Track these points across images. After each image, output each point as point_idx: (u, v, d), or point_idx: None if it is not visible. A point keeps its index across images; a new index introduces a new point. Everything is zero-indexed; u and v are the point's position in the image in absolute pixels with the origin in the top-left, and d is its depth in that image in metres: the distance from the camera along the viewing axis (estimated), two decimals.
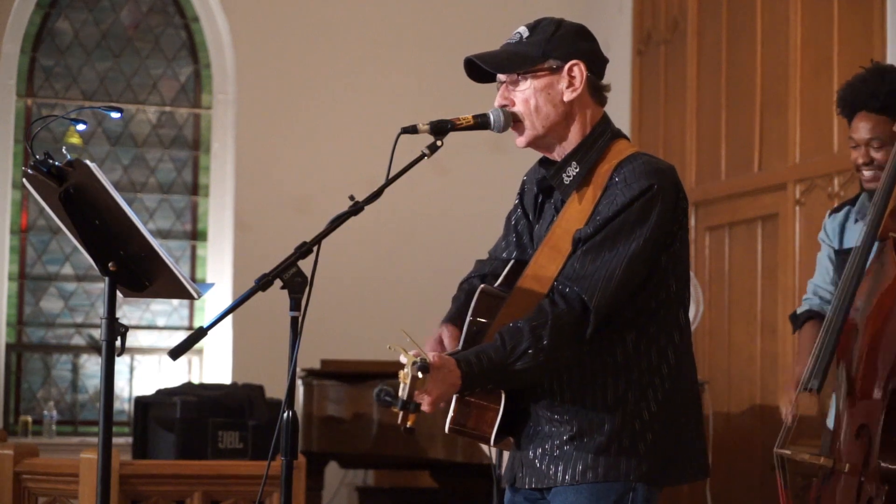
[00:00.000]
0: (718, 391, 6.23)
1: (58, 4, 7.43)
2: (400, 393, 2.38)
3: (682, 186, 2.65)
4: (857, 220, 3.81)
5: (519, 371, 2.50)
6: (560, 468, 2.59)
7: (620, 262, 2.52)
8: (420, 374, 2.36)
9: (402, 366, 2.40)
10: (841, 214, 3.90)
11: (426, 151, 2.59)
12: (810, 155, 5.81)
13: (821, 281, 3.95)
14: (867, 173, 3.73)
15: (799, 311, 3.97)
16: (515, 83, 2.64)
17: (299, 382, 6.12)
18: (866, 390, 3.32)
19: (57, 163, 2.80)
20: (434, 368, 2.42)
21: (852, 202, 3.88)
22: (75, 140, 7.46)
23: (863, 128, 3.71)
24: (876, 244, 3.46)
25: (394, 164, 2.58)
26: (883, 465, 3.17)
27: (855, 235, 3.75)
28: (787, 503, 3.59)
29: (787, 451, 3.52)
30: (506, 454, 2.77)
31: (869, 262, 3.45)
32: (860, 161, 3.73)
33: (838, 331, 3.43)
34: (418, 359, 2.37)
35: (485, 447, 2.76)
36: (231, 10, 7.42)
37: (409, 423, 2.38)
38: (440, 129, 2.61)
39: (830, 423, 3.79)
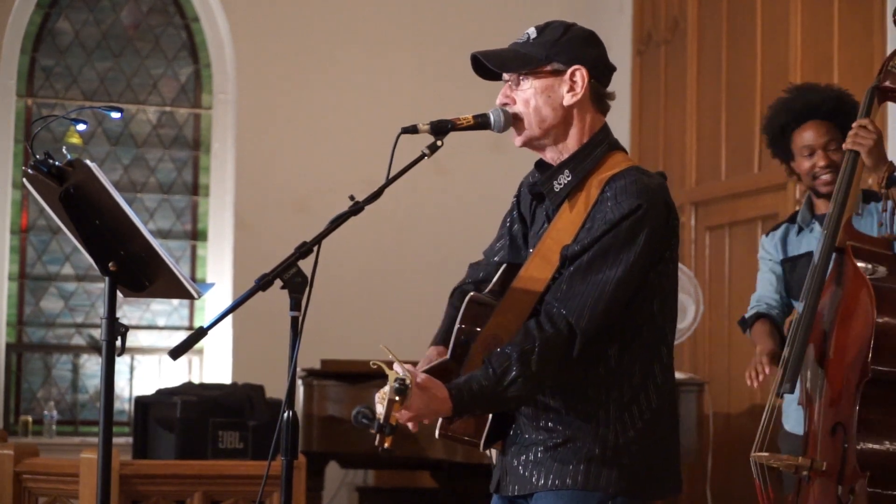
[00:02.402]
0: (718, 391, 6.23)
1: (58, 4, 7.43)
2: (377, 415, 2.36)
3: (672, 204, 2.63)
4: (801, 230, 4.01)
5: (510, 398, 2.50)
6: (542, 474, 2.59)
7: (608, 285, 2.51)
8: (397, 398, 2.34)
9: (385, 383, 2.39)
10: (780, 231, 4.11)
11: (426, 151, 2.59)
12: None
13: (764, 291, 4.14)
14: (826, 177, 3.91)
15: (747, 315, 4.11)
16: (518, 83, 2.64)
17: (299, 382, 6.12)
18: (838, 390, 3.40)
19: (57, 163, 2.80)
20: (419, 388, 2.42)
21: (790, 220, 4.10)
22: (75, 140, 7.46)
23: (817, 133, 3.90)
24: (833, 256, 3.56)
25: (394, 164, 2.58)
26: (861, 446, 3.26)
27: (801, 244, 3.98)
28: None
29: (765, 455, 3.57)
30: None
31: (828, 272, 3.52)
32: (821, 164, 3.90)
33: (805, 337, 3.50)
34: (398, 380, 2.35)
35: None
36: (231, 10, 7.42)
37: (385, 445, 2.35)
38: (440, 129, 2.61)
39: (790, 426, 3.96)
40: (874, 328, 3.26)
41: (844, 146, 3.66)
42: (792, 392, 3.53)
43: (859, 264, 3.39)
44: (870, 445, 3.28)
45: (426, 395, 2.44)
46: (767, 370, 3.80)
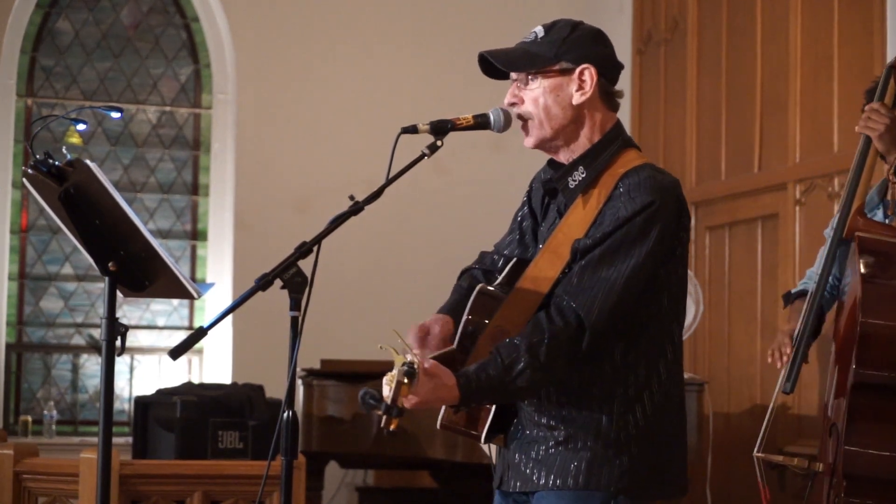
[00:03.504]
0: (718, 391, 6.23)
1: (58, 4, 7.43)
2: (384, 396, 2.37)
3: (685, 202, 2.63)
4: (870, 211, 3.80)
5: (517, 389, 2.50)
6: (544, 472, 2.59)
7: (619, 279, 2.51)
8: (406, 380, 2.34)
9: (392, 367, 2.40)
10: None
11: (426, 151, 2.59)
12: (810, 155, 5.81)
13: (819, 269, 3.95)
14: None
15: (793, 290, 4.00)
16: (526, 82, 2.64)
17: (299, 382, 6.12)
18: (839, 390, 3.35)
19: (57, 163, 2.80)
20: (427, 374, 2.42)
21: None
22: (75, 140, 7.46)
23: None
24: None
25: (394, 164, 2.58)
26: (845, 453, 3.19)
27: None
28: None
29: (761, 455, 3.54)
30: None
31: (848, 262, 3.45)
32: None
33: (808, 338, 3.44)
34: (406, 363, 2.36)
35: (484, 447, 2.77)
36: (231, 10, 7.42)
37: (391, 427, 2.36)
38: (440, 129, 2.61)
39: None
40: (859, 329, 3.15)
41: (856, 129, 3.54)
42: (792, 391, 3.49)
43: (861, 257, 3.28)
44: (852, 451, 3.20)
45: (433, 381, 2.43)
46: (788, 350, 3.67)
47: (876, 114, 3.48)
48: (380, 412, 2.35)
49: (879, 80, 3.62)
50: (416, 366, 2.36)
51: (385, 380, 2.40)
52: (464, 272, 2.86)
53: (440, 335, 2.67)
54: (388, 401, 2.34)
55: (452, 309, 2.73)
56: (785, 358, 3.69)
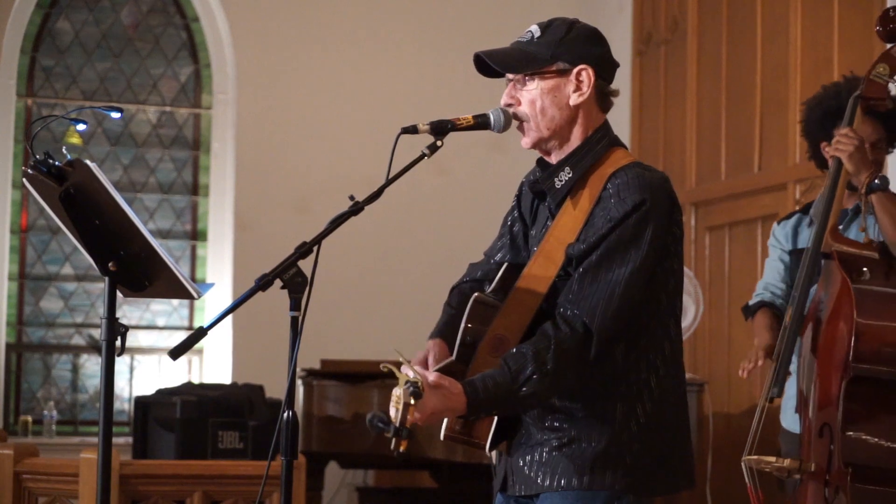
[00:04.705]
0: (718, 391, 6.23)
1: (58, 4, 7.43)
2: (392, 418, 2.37)
3: (675, 197, 2.62)
4: (810, 224, 3.98)
5: (525, 396, 2.49)
6: (547, 475, 2.59)
7: (619, 283, 2.51)
8: (412, 401, 2.35)
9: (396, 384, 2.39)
10: (792, 220, 4.14)
11: (426, 151, 2.58)
12: None
13: (771, 279, 4.17)
14: None
15: (751, 303, 4.13)
16: (522, 83, 2.63)
17: (299, 382, 6.12)
18: (826, 392, 3.47)
19: (57, 163, 2.80)
20: (432, 387, 2.42)
21: (803, 210, 4.12)
22: (75, 140, 7.46)
23: (873, 129, 3.88)
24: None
25: (394, 164, 2.58)
26: (844, 442, 3.33)
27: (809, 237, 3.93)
28: None
29: (754, 458, 3.62)
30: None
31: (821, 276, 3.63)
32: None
33: (791, 345, 3.56)
34: (410, 382, 2.36)
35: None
36: (231, 10, 7.43)
37: (402, 449, 2.37)
38: (440, 129, 2.60)
39: (787, 424, 4.05)
40: (854, 328, 3.33)
41: (829, 153, 3.74)
42: (780, 396, 3.60)
43: (843, 269, 3.47)
44: (852, 441, 3.34)
45: (440, 392, 2.43)
46: (760, 363, 3.88)
47: (845, 137, 3.68)
48: (389, 435, 2.36)
49: (819, 96, 3.94)
50: (419, 384, 2.36)
51: (393, 399, 2.40)
52: (452, 289, 2.83)
53: (434, 363, 2.65)
54: (397, 423, 2.36)
55: (442, 331, 2.71)
56: (752, 366, 3.83)
